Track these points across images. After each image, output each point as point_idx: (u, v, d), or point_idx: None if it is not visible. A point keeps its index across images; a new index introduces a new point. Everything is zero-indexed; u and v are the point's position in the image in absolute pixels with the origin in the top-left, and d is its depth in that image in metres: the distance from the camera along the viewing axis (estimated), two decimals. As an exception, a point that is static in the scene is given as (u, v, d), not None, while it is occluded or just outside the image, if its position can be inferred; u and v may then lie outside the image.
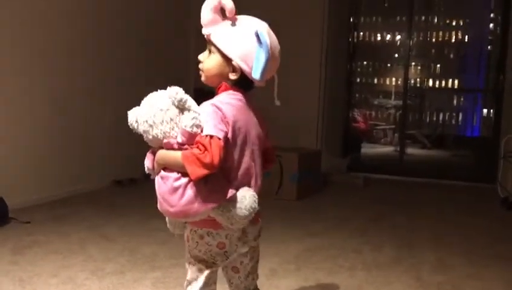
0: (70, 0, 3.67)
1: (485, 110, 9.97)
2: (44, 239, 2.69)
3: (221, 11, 1.29)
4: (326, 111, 5.22)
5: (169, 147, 1.25)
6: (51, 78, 3.53)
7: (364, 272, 2.43)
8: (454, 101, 11.74)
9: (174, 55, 4.83)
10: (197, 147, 1.19)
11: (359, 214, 3.62)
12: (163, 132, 1.24)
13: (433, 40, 12.39)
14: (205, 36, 1.32)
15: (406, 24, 6.25)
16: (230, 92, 1.31)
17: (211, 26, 1.29)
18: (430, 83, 11.99)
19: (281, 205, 3.76)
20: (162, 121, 1.24)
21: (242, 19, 1.30)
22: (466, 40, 12.26)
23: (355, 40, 6.06)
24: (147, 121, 1.25)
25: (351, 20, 5.73)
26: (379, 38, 11.26)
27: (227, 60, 1.29)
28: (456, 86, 12.42)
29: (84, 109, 3.86)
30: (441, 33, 12.40)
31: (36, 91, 3.42)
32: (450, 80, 12.14)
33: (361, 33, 9.42)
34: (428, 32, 12.14)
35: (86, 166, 3.89)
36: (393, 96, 10.46)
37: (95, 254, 2.51)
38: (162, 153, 1.27)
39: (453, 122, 11.56)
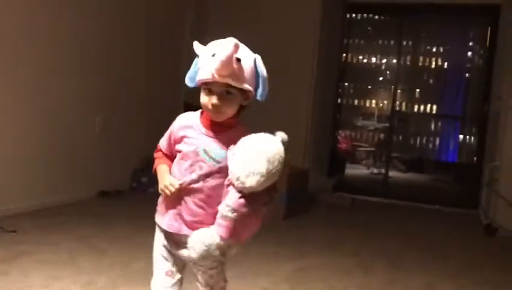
0: (68, 8, 3.64)
1: (461, 136, 10.19)
2: (32, 249, 2.62)
3: None
4: (315, 131, 5.26)
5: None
6: (38, 87, 3.46)
7: (358, 294, 2.44)
8: (432, 126, 11.97)
9: (165, 71, 4.81)
10: None
11: (348, 236, 3.64)
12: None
13: (415, 65, 12.66)
14: (213, 82, 1.35)
15: (393, 48, 6.40)
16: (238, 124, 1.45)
17: (229, 73, 1.32)
18: (410, 107, 12.21)
19: (268, 225, 3.74)
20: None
21: (241, 53, 1.36)
22: (445, 67, 12.54)
23: (344, 61, 6.16)
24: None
25: (344, 41, 5.85)
26: (366, 61, 11.44)
27: (243, 93, 1.39)
28: (434, 111, 12.67)
29: (72, 118, 3.80)
30: (421, 58, 12.68)
31: (21, 99, 3.35)
32: (429, 105, 12.40)
33: (350, 55, 9.55)
34: (409, 57, 12.40)
35: (72, 176, 3.81)
36: (375, 119, 10.59)
37: (86, 266, 2.45)
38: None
39: (430, 146, 11.78)
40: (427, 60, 12.89)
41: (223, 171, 1.38)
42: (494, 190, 4.32)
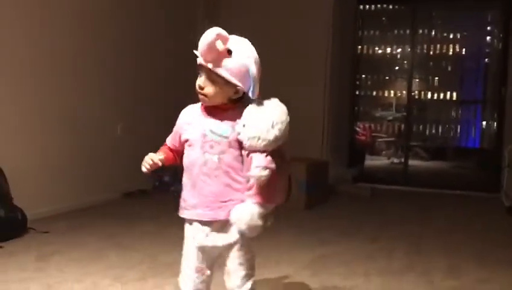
0: (87, 15, 3.77)
1: (483, 122, 10.07)
2: (64, 248, 2.75)
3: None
4: (332, 123, 5.30)
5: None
6: (62, 93, 3.60)
7: (379, 277, 2.49)
8: (453, 113, 11.84)
9: (183, 72, 4.92)
10: None
11: (369, 223, 3.69)
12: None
13: (431, 53, 12.53)
14: (202, 65, 1.45)
15: (408, 38, 6.40)
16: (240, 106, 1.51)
17: (212, 59, 1.42)
18: (429, 95, 12.09)
19: (289, 214, 3.80)
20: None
21: (235, 48, 1.44)
22: (463, 53, 12.37)
23: (360, 53, 6.19)
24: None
25: (358, 33, 5.89)
26: (381, 51, 11.38)
27: (230, 85, 1.46)
28: (454, 98, 12.52)
29: (95, 123, 3.94)
30: (438, 46, 12.55)
31: (48, 107, 3.49)
32: (448, 92, 12.27)
33: (365, 46, 9.53)
34: (426, 46, 12.27)
35: (97, 178, 3.94)
36: (394, 109, 10.54)
37: (115, 262, 2.56)
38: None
39: (451, 134, 11.65)
40: (444, 47, 12.73)
41: (233, 145, 1.49)
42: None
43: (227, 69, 1.43)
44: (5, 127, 3.16)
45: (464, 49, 12.44)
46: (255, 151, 1.45)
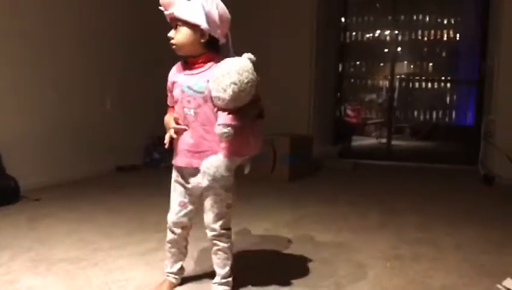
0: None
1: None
2: (55, 212, 2.91)
3: None
4: (318, 104, 5.42)
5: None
6: (56, 68, 3.76)
7: (351, 233, 2.65)
8: (445, 95, 12.00)
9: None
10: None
11: (348, 192, 3.85)
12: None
13: (424, 38, 12.67)
14: (168, 16, 1.60)
15: (392, 23, 6.53)
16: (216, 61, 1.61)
17: (171, 6, 1.57)
18: (417, 77, 12.26)
19: (273, 185, 3.98)
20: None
21: None
22: (458, 38, 12.52)
23: (345, 39, 6.36)
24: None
25: (342, 20, 6.05)
26: (368, 37, 11.50)
27: (194, 28, 1.59)
28: (448, 80, 12.64)
29: (87, 99, 4.10)
30: (432, 32, 12.71)
31: (40, 79, 3.63)
32: (442, 76, 12.45)
33: (353, 33, 9.64)
34: (413, 32, 12.40)
35: (90, 152, 4.10)
36: (384, 93, 10.69)
37: (104, 223, 2.72)
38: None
39: (441, 114, 11.81)
40: (438, 32, 12.83)
41: (208, 100, 1.60)
42: (488, 142, 4.45)
43: (186, 11, 1.55)
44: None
45: (458, 35, 12.53)
46: (219, 109, 1.56)
